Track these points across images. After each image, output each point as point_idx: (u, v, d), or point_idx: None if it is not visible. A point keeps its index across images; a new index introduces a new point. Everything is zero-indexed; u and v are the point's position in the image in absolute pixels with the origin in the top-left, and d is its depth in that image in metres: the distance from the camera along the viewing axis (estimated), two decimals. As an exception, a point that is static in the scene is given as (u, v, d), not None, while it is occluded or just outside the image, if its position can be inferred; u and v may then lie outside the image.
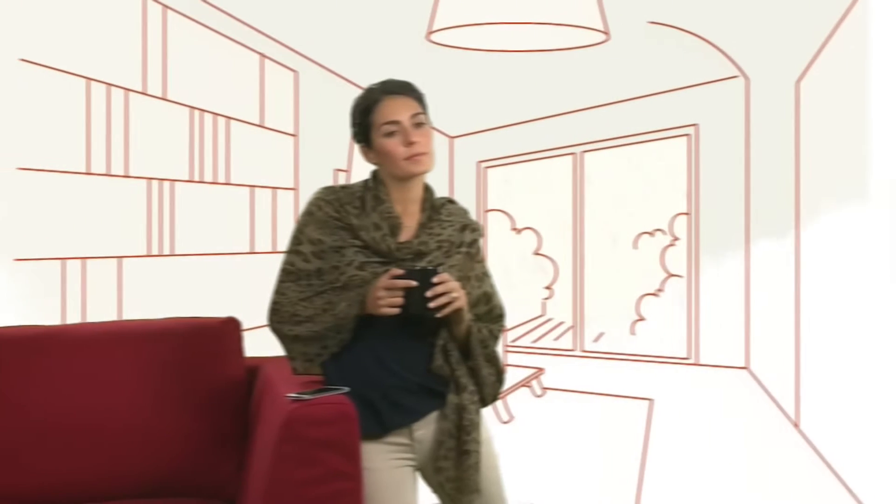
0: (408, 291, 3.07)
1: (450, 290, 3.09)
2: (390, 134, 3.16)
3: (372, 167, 3.27)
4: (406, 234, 3.24)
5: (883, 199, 5.75)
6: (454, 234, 3.29)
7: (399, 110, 3.18)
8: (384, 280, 3.08)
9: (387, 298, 3.07)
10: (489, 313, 3.38)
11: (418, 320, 3.13)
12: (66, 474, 3.52)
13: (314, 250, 3.22)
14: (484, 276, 3.39)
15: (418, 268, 3.10)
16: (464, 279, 3.30)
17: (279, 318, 3.24)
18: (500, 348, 3.42)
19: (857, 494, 6.07)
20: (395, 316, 3.09)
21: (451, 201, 3.38)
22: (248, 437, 3.64)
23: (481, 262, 3.39)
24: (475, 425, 3.20)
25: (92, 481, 3.54)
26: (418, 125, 3.19)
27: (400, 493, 3.20)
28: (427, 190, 3.32)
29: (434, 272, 3.08)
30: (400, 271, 3.09)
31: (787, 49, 8.28)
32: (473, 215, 3.43)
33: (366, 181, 3.29)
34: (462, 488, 3.21)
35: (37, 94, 5.60)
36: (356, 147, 3.33)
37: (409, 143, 3.16)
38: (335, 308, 3.15)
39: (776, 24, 7.99)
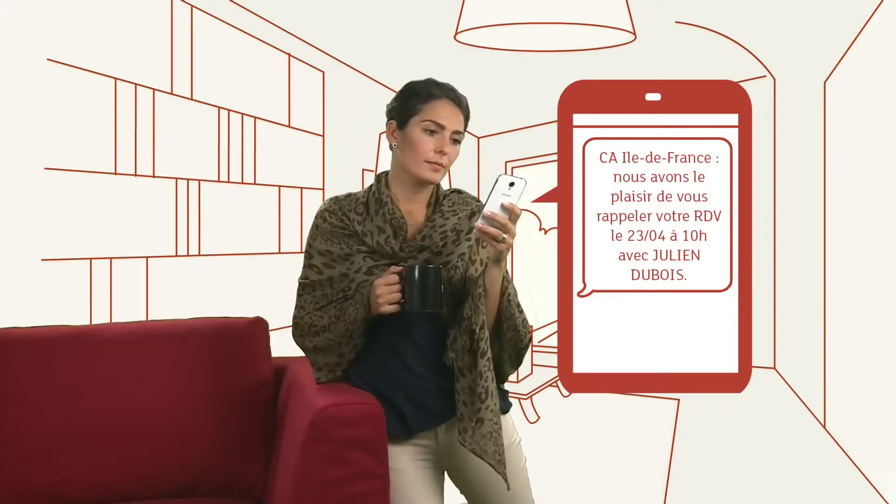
0: (405, 288, 3.09)
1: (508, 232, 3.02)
2: (430, 132, 3.18)
3: (379, 170, 3.28)
4: (413, 232, 3.26)
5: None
6: (460, 223, 3.30)
7: (450, 119, 3.21)
8: (382, 277, 3.10)
9: (385, 296, 3.09)
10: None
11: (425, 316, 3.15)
12: (92, 475, 3.53)
13: (325, 261, 3.25)
14: None
15: (417, 265, 3.12)
16: (472, 264, 3.30)
17: (300, 332, 3.27)
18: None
19: (884, 495, 6.05)
20: (399, 314, 3.12)
21: (457, 191, 3.39)
22: (274, 436, 3.64)
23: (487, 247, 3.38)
24: (489, 393, 3.15)
25: (118, 481, 3.55)
26: (455, 141, 3.22)
27: (426, 493, 3.20)
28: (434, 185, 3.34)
29: (434, 269, 3.09)
30: (398, 268, 3.11)
31: (814, 49, 8.25)
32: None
33: (370, 185, 3.32)
34: (488, 464, 3.16)
35: (64, 94, 5.61)
36: (385, 125, 3.34)
37: (440, 152, 3.17)
38: (345, 314, 3.17)
39: (803, 24, 7.96)
